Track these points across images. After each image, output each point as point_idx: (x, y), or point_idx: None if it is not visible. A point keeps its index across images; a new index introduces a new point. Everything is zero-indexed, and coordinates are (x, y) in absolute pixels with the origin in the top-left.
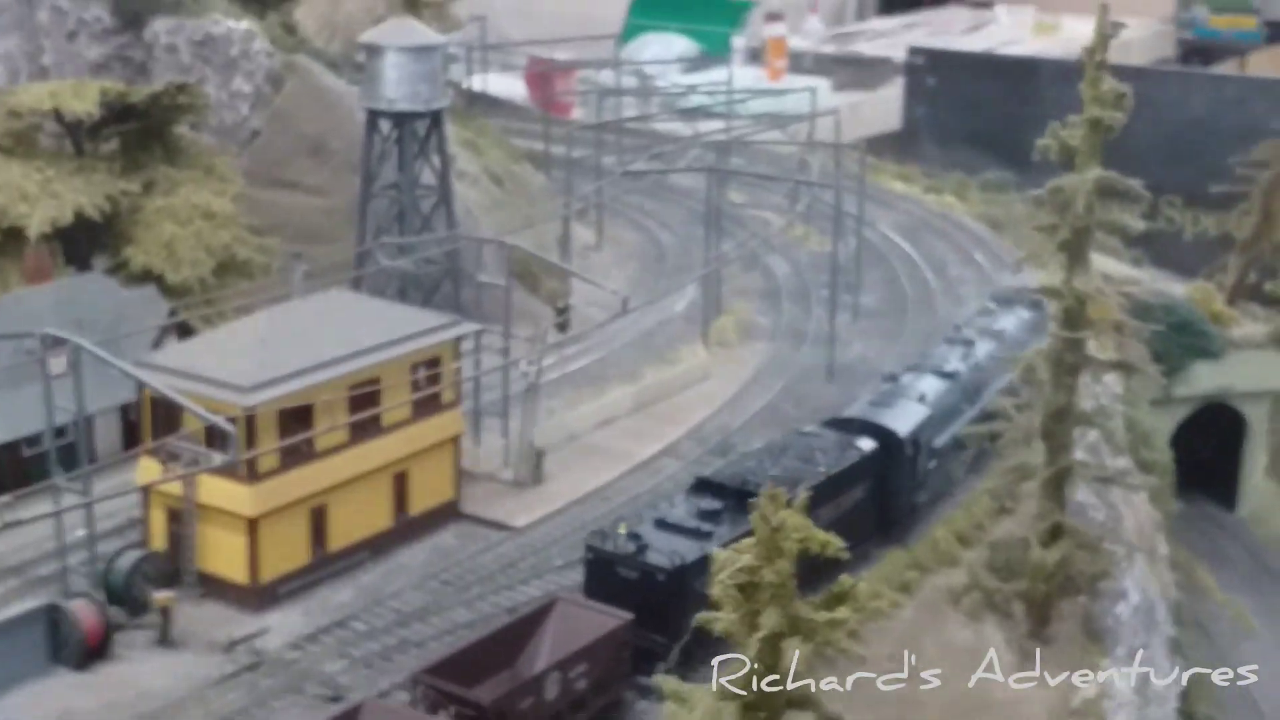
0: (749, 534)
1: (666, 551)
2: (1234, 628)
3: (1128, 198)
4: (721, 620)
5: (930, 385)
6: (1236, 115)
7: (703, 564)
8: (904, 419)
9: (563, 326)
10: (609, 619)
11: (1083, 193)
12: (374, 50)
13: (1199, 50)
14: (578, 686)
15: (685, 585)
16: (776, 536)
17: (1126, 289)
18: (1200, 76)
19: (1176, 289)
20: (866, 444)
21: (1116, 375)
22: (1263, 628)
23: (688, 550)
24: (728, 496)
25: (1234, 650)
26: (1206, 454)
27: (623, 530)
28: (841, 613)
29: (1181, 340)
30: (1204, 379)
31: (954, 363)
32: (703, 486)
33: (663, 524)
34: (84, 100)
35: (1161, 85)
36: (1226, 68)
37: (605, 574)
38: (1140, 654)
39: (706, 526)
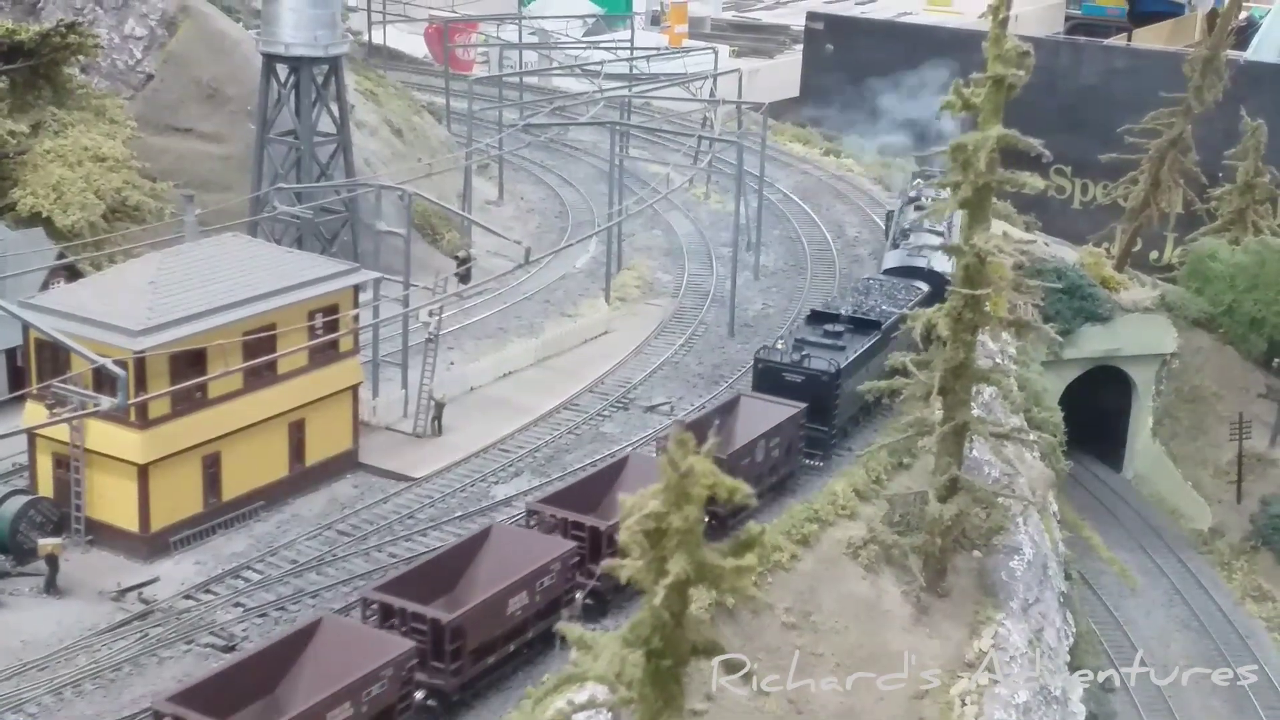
0: (870, 351)
1: (825, 359)
2: (1118, 584)
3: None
4: (628, 567)
5: (932, 238)
6: (1127, 85)
7: (849, 369)
8: (939, 263)
9: (464, 278)
10: None
11: (985, 150)
12: None
13: (1085, 27)
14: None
15: (840, 384)
16: (684, 482)
17: (1025, 248)
18: (1092, 46)
19: (1067, 254)
20: (923, 285)
21: (1010, 335)
22: (1146, 585)
23: (837, 358)
24: (842, 323)
25: (1118, 606)
26: (1094, 415)
27: (780, 345)
28: (749, 559)
29: (1071, 303)
30: (1093, 342)
31: (941, 225)
32: (817, 318)
33: (803, 343)
34: None
35: (1055, 54)
36: (1115, 40)
37: (774, 379)
38: (1034, 607)
39: (839, 343)
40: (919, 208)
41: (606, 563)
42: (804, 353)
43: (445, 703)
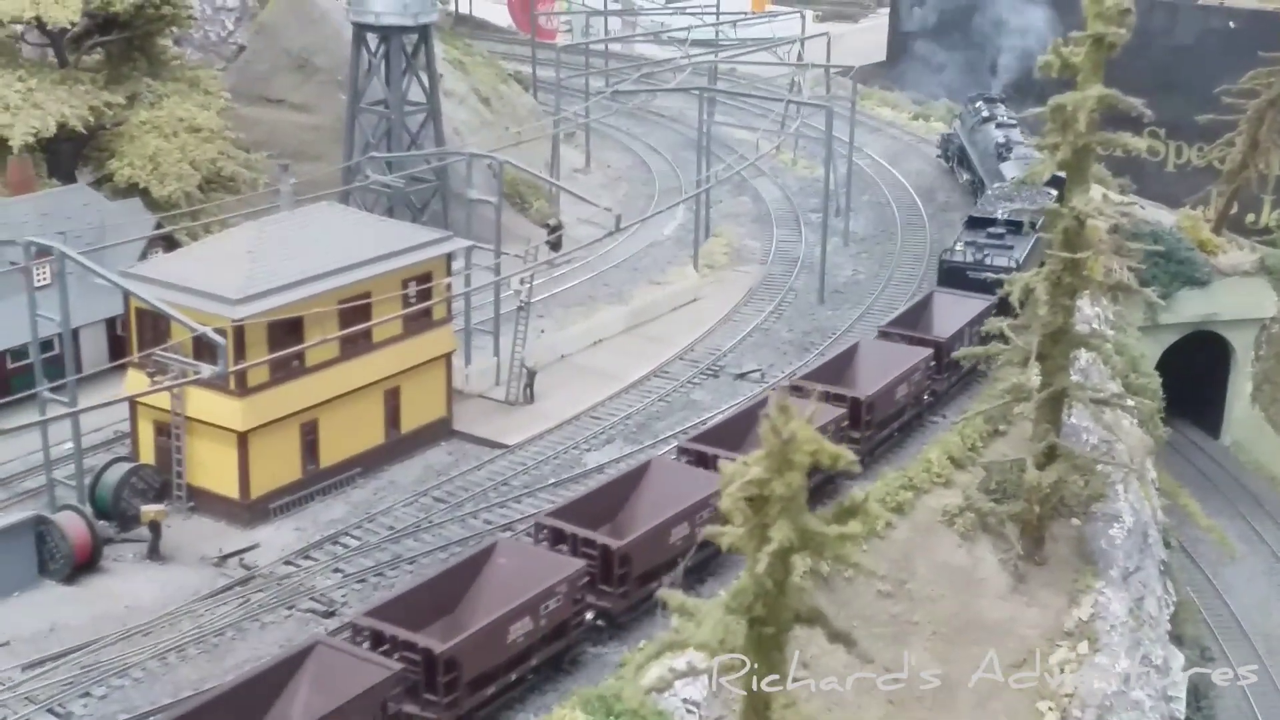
0: (1034, 248)
1: (1004, 256)
2: (1217, 553)
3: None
4: (729, 534)
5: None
6: (1222, 45)
7: (1025, 263)
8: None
9: (554, 245)
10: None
11: (1084, 110)
12: None
13: None
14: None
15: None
16: (787, 449)
17: (1126, 211)
18: (1186, 6)
19: (1164, 217)
20: (1050, 190)
21: (1107, 300)
22: (1245, 553)
23: (1013, 255)
24: (1000, 225)
25: (1218, 575)
26: (1191, 381)
27: (959, 248)
28: (853, 527)
29: (1169, 267)
30: (1190, 306)
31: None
32: (975, 223)
33: (974, 245)
34: (66, 9)
35: (1148, 15)
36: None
37: (958, 278)
38: (1134, 576)
39: (1005, 242)
40: (1000, 125)
41: (710, 529)
42: (983, 253)
43: (612, 623)
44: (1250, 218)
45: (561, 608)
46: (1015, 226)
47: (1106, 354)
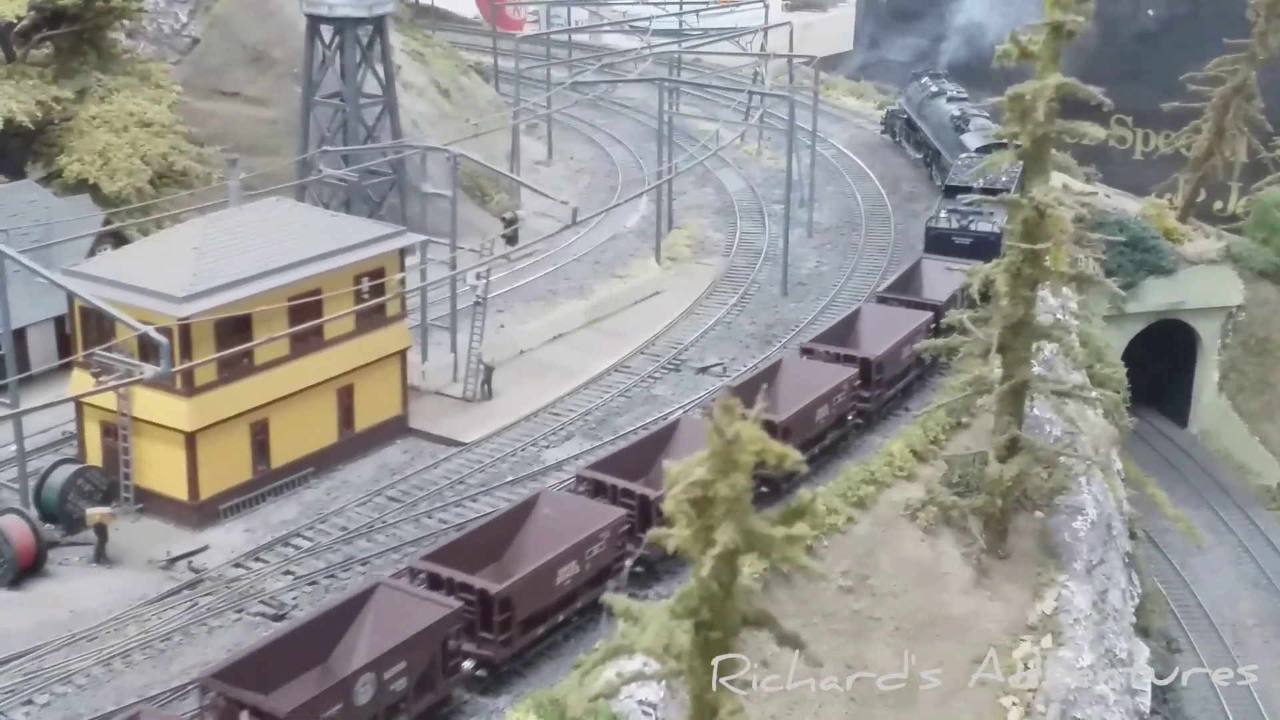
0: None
1: (987, 222)
2: (1185, 543)
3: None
4: (675, 537)
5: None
6: (1190, 31)
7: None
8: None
9: (511, 239)
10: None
11: (1043, 99)
12: None
13: None
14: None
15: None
16: (731, 449)
17: (1086, 201)
18: None
19: (1129, 205)
20: None
21: (1071, 290)
22: (1212, 543)
23: (992, 220)
24: (978, 193)
25: (1185, 565)
26: (1158, 370)
27: (943, 215)
28: (799, 528)
29: (1134, 256)
30: (1156, 295)
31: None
32: (953, 191)
33: (955, 212)
34: (13, 3)
35: (1115, 1)
36: None
37: (944, 243)
38: (1098, 568)
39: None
40: (951, 99)
41: (653, 532)
42: (967, 219)
43: (652, 570)
44: (1218, 205)
45: (605, 553)
46: (993, 194)
47: (1068, 345)
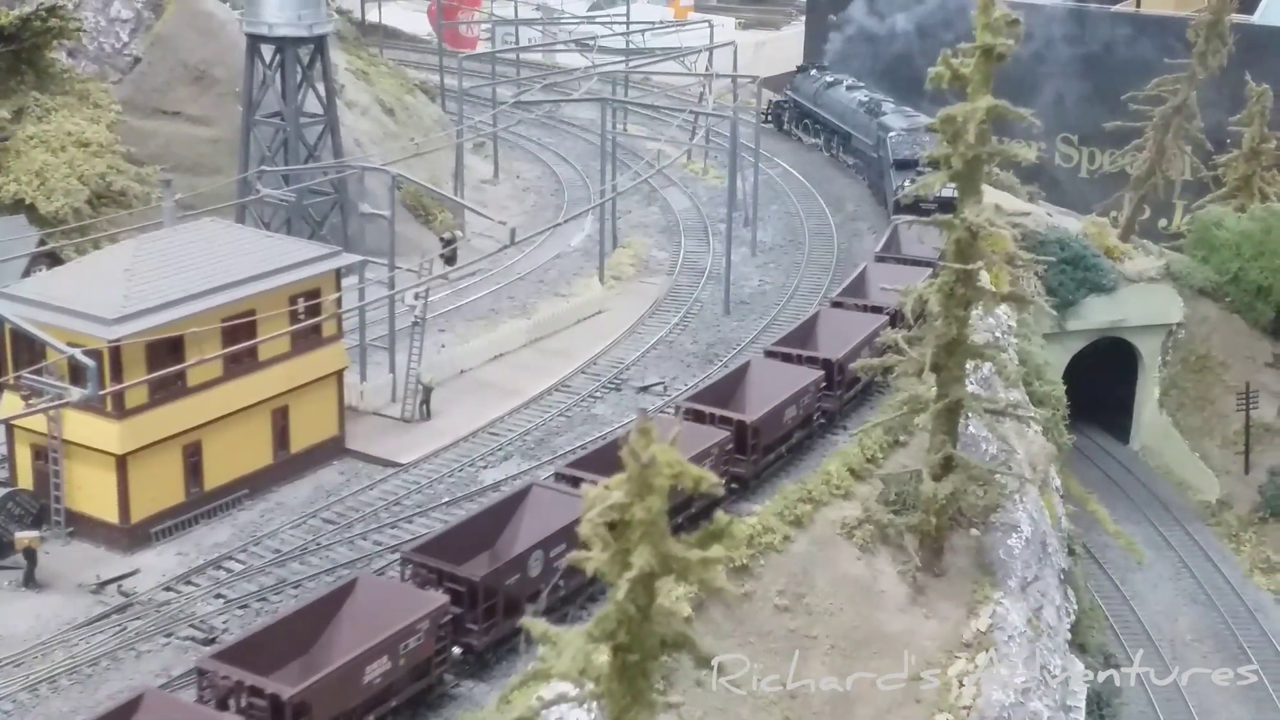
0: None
1: (947, 188)
2: (1125, 558)
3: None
4: (592, 560)
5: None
6: (1133, 52)
7: None
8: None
9: (449, 259)
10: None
11: (974, 121)
12: None
13: None
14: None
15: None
16: (647, 472)
17: (1018, 221)
18: (1097, 13)
19: (1071, 224)
20: None
21: (1009, 308)
22: (1152, 559)
23: (950, 186)
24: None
25: (1125, 581)
26: (1100, 387)
27: (909, 185)
28: (716, 551)
29: (1075, 274)
30: (1097, 313)
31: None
32: (906, 164)
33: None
34: None
35: (1060, 22)
36: (1122, 7)
37: (914, 211)
38: (1032, 585)
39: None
40: (851, 88)
41: (573, 555)
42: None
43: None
44: (1163, 223)
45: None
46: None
47: (1002, 364)
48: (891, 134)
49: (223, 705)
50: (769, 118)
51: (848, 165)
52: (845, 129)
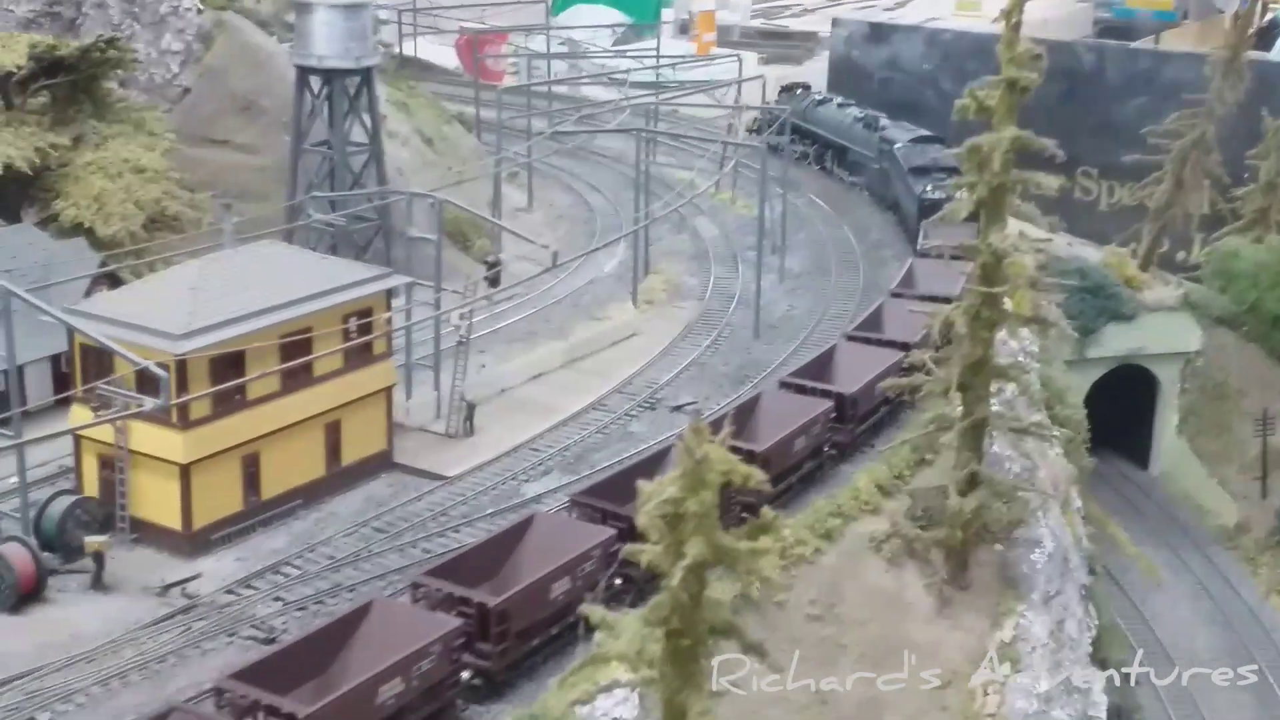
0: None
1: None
2: (1144, 580)
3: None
4: (647, 551)
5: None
6: (1153, 87)
7: None
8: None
9: (493, 281)
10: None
11: (999, 151)
12: (304, 7)
13: (1116, 30)
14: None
15: None
16: (700, 468)
17: (1041, 246)
18: (1115, 49)
19: (1091, 254)
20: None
21: (1033, 334)
22: (1170, 580)
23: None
24: (943, 170)
25: (1144, 602)
26: (1120, 413)
27: (929, 188)
28: (764, 543)
29: (1095, 302)
30: (1117, 341)
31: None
32: (921, 171)
33: (937, 186)
34: (13, 53)
35: (1080, 57)
36: (1142, 43)
37: (935, 209)
38: (1055, 599)
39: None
40: (842, 105)
41: (629, 547)
42: (949, 191)
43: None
44: (1181, 255)
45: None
46: (954, 171)
47: (1025, 385)
48: (898, 145)
49: None
50: (754, 134)
51: (844, 179)
52: (841, 142)
